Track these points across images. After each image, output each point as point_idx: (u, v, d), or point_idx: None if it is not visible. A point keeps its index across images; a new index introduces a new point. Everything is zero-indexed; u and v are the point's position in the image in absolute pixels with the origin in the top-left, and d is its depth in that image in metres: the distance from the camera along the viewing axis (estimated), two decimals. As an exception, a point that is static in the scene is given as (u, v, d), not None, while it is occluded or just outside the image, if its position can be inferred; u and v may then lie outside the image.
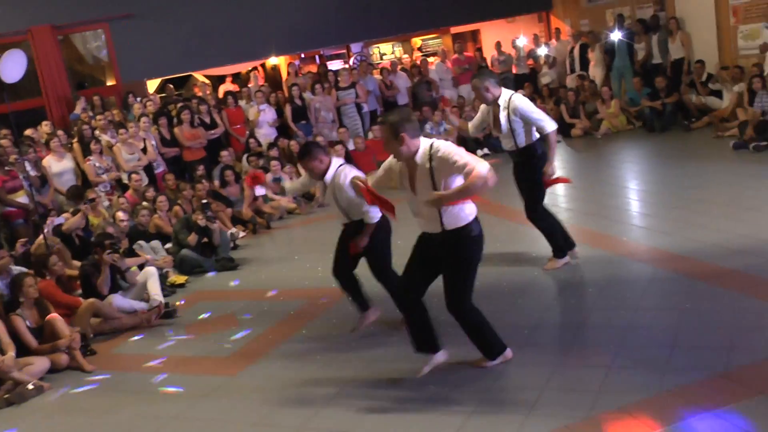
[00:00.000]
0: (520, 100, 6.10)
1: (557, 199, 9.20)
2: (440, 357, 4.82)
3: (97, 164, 10.31)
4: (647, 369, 4.36)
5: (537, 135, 6.20)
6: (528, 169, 6.29)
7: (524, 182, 6.36)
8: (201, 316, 6.95)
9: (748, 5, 11.90)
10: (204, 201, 9.11)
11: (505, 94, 6.15)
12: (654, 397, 4.04)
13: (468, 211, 4.43)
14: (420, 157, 4.34)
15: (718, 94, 11.95)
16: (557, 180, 6.39)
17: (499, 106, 6.14)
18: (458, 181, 4.28)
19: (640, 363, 4.46)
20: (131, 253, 8.04)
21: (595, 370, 4.46)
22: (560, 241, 6.43)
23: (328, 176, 5.32)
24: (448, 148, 4.28)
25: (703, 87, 12.17)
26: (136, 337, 6.68)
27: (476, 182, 4.14)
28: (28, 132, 10.76)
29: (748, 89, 10.80)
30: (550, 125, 6.12)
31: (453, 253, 4.47)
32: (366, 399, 4.64)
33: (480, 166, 4.16)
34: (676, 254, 6.26)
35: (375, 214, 5.29)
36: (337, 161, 5.39)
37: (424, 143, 4.37)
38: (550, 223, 6.44)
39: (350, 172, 5.27)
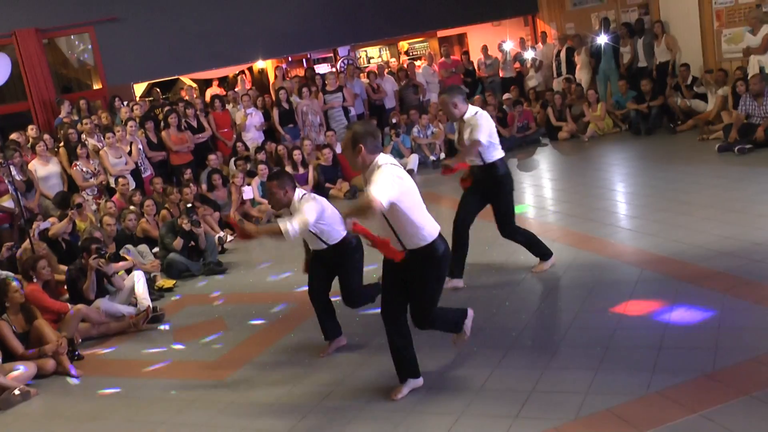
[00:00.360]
0: (481, 119, 6.05)
1: (544, 201, 9.26)
2: (419, 382, 4.73)
3: (84, 168, 10.26)
4: (634, 370, 4.39)
5: (501, 154, 6.19)
6: (494, 187, 6.24)
7: (495, 201, 6.30)
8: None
9: (731, 9, 12.01)
10: (189, 205, 9.08)
11: (471, 111, 6.12)
12: (641, 398, 4.07)
13: (428, 230, 4.35)
14: (368, 171, 4.32)
15: (703, 97, 12.04)
16: (454, 169, 6.14)
17: (464, 122, 6.12)
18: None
19: (628, 365, 4.49)
20: (118, 257, 8.00)
21: (582, 371, 4.49)
22: (542, 247, 6.46)
23: (292, 208, 5.19)
24: (382, 172, 4.21)
25: (688, 90, 12.27)
26: (124, 342, 6.64)
27: (365, 203, 4.11)
28: (13, 136, 10.69)
29: (732, 92, 10.90)
30: (497, 154, 6.13)
31: (419, 273, 4.41)
32: (355, 402, 4.64)
33: (379, 194, 4.08)
34: (662, 256, 6.30)
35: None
36: (299, 192, 5.25)
37: (379, 159, 4.31)
38: (526, 234, 6.46)
39: (309, 203, 5.13)
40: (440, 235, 4.43)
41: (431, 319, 4.61)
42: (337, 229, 5.28)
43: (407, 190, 4.27)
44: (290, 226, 4.71)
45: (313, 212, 5.03)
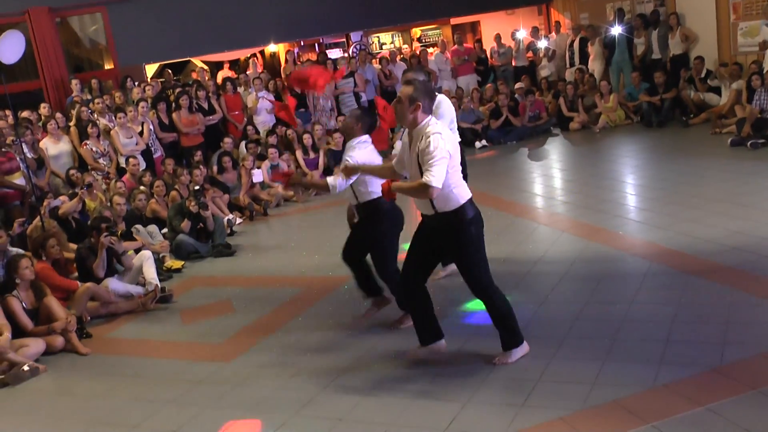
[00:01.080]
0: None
1: (554, 192, 9.23)
2: (442, 344, 4.84)
3: (94, 148, 10.28)
4: (642, 363, 4.38)
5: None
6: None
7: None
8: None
9: (748, 2, 11.91)
10: (196, 187, 9.10)
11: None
12: (648, 390, 4.06)
13: (460, 193, 4.41)
14: (416, 131, 4.38)
15: (717, 90, 11.97)
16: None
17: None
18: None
19: (635, 357, 4.49)
20: (129, 236, 8.02)
21: (589, 362, 4.49)
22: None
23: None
24: (433, 146, 4.23)
25: (701, 83, 12.19)
26: (132, 322, 6.68)
27: (420, 189, 4.25)
28: (24, 114, 10.71)
29: (747, 86, 10.82)
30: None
31: (451, 238, 4.47)
32: (360, 387, 4.66)
33: (436, 181, 4.20)
34: (672, 249, 6.28)
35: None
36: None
37: (431, 124, 4.37)
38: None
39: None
40: (470, 200, 4.47)
41: (490, 290, 4.59)
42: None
43: (451, 160, 4.33)
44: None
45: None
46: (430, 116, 4.42)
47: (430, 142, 4.25)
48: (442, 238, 4.51)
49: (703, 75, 12.21)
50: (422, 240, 4.67)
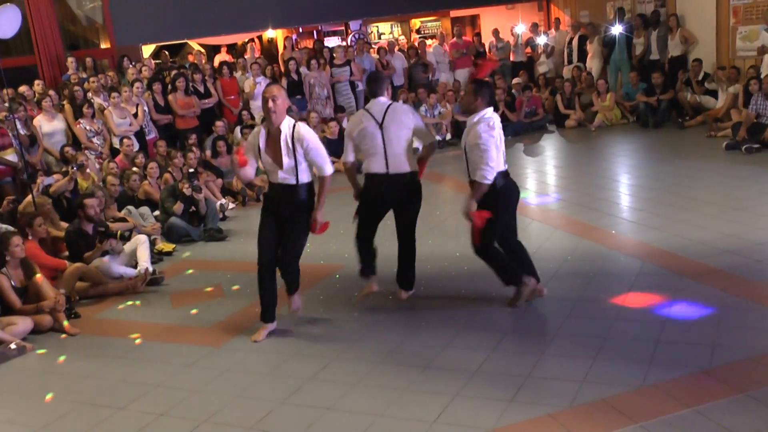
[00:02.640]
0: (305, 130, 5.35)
1: (548, 188, 9.23)
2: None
3: (88, 127, 10.20)
4: (632, 362, 4.39)
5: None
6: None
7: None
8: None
9: (748, 6, 11.92)
10: (191, 170, 9.05)
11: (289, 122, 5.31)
12: (637, 390, 4.07)
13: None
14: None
15: (714, 93, 11.98)
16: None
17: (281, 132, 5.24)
18: None
19: (625, 356, 4.50)
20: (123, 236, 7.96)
21: (579, 360, 4.49)
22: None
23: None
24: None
25: (698, 86, 12.20)
26: (121, 303, 6.65)
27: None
28: (22, 89, 10.60)
29: (744, 91, 10.84)
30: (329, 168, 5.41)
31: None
32: (350, 376, 4.65)
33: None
34: (664, 250, 6.30)
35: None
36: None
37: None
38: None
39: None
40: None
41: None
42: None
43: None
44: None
45: None
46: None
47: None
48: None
49: (700, 77, 12.22)
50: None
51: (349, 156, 5.69)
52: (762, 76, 10.38)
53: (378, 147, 5.51)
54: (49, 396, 4.87)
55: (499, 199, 5.22)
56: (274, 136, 5.21)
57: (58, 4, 13.21)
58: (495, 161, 5.10)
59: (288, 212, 5.32)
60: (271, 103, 5.08)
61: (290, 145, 5.13)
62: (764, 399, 3.84)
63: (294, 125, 5.19)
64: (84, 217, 7.11)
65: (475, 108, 5.22)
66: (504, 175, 5.23)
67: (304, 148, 5.17)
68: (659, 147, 10.87)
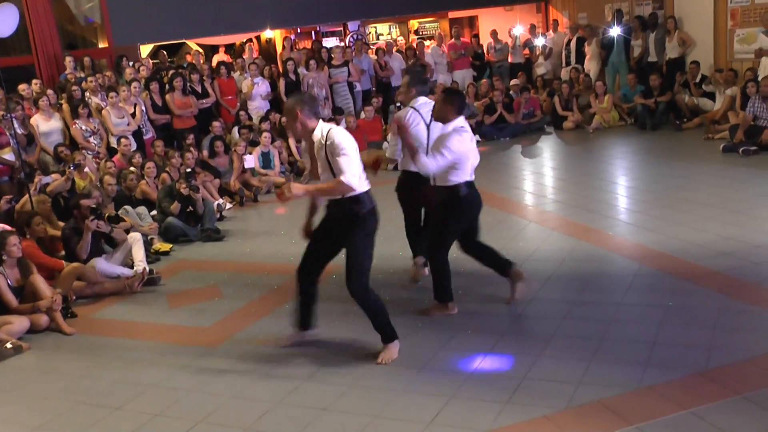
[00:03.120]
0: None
1: (545, 190, 9.24)
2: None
3: (84, 127, 10.18)
4: (628, 364, 4.40)
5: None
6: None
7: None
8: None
9: (746, 9, 11.95)
10: (188, 170, 9.05)
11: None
12: (633, 391, 4.07)
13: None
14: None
15: (711, 96, 12.01)
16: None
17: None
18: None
19: (621, 358, 4.50)
20: (118, 219, 7.96)
21: (576, 362, 4.49)
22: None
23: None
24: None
25: (696, 88, 12.22)
26: (118, 303, 6.64)
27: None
28: (21, 87, 10.57)
29: (742, 93, 10.85)
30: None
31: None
32: (347, 377, 4.65)
33: (349, 176, 4.47)
34: (661, 252, 6.30)
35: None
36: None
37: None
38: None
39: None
40: (468, 182, 5.21)
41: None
42: None
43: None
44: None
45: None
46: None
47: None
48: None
49: (698, 80, 12.25)
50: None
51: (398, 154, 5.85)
52: (759, 79, 10.40)
53: (423, 147, 5.66)
54: (23, 389, 4.87)
55: (462, 208, 5.31)
56: (311, 147, 4.80)
57: (57, 3, 13.20)
58: (462, 170, 5.18)
59: (340, 229, 4.80)
60: (292, 132, 5.07)
61: (324, 155, 4.63)
62: (760, 401, 3.85)
63: (327, 132, 4.61)
64: (80, 217, 7.09)
65: (447, 117, 5.26)
66: (469, 185, 5.26)
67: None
68: (657, 149, 10.88)
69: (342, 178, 4.46)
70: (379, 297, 4.87)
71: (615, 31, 13.61)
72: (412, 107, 5.85)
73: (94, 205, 7.13)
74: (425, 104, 5.81)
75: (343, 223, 4.69)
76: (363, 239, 4.67)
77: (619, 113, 13.11)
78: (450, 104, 5.24)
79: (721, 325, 4.82)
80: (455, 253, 5.53)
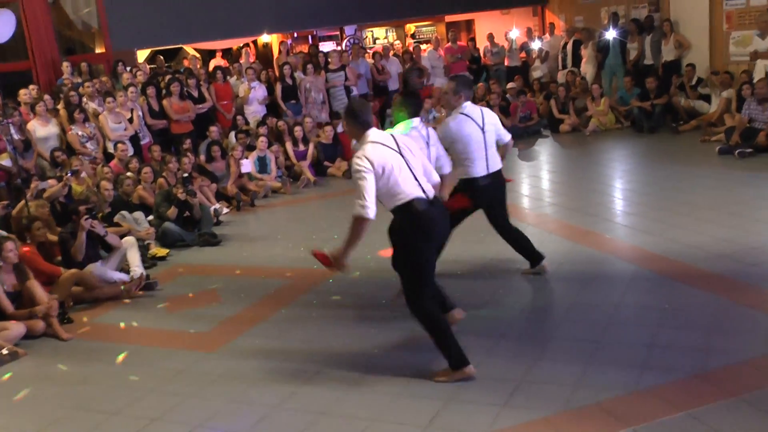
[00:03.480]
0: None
1: (542, 193, 9.25)
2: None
3: (80, 132, 10.17)
4: (625, 366, 4.40)
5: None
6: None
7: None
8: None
9: (741, 12, 11.97)
10: (185, 175, 9.05)
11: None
12: (630, 394, 4.08)
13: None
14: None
15: (707, 98, 12.03)
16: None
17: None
18: None
19: (619, 360, 4.50)
20: (110, 222, 7.96)
21: (573, 364, 4.50)
22: None
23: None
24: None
25: (692, 90, 12.25)
26: (115, 308, 6.63)
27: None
28: (22, 92, 10.54)
29: (737, 96, 10.88)
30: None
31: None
32: (343, 382, 4.65)
33: (358, 207, 4.20)
34: (658, 254, 6.31)
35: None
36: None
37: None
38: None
39: None
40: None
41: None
42: None
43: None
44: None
45: None
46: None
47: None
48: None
49: (694, 82, 12.27)
50: None
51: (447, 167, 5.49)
52: (754, 81, 10.42)
53: (482, 150, 5.76)
54: (20, 395, 4.88)
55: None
56: None
57: (54, 8, 13.21)
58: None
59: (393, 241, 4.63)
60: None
61: None
62: (757, 402, 3.86)
63: (362, 148, 4.41)
64: (78, 222, 7.08)
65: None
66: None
67: None
68: (653, 152, 10.90)
69: (353, 211, 4.22)
70: (436, 313, 4.51)
71: (611, 34, 13.64)
72: (461, 113, 5.77)
73: (90, 206, 7.12)
74: (474, 108, 5.82)
75: (393, 235, 4.52)
76: (405, 250, 4.47)
77: (616, 116, 13.13)
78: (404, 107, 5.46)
79: (717, 327, 4.83)
80: (445, 257, 5.50)
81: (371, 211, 4.19)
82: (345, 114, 4.58)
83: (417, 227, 4.36)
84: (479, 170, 5.79)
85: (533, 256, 6.15)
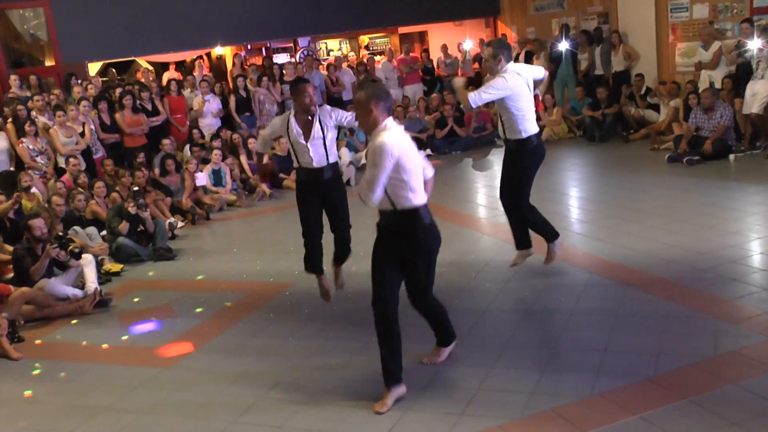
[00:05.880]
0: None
1: (497, 202, 9.32)
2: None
3: (31, 146, 9.98)
4: (580, 372, 4.47)
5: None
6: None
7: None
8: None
9: (686, 24, 12.29)
10: (135, 188, 8.93)
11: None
12: (586, 399, 4.14)
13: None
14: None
15: (656, 107, 12.31)
16: None
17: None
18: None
19: (574, 366, 4.57)
20: (73, 253, 7.79)
21: (529, 371, 4.55)
22: None
23: None
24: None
25: (641, 100, 12.52)
26: (67, 326, 6.51)
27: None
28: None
29: (684, 105, 11.16)
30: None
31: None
32: (300, 395, 4.63)
33: (367, 191, 4.11)
34: (611, 261, 6.42)
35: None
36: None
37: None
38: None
39: None
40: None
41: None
42: None
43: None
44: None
45: None
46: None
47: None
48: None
49: (643, 92, 12.55)
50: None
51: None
52: (700, 91, 10.70)
53: (532, 108, 5.82)
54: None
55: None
56: None
57: (1, 21, 12.95)
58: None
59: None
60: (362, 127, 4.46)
61: None
62: (706, 404, 3.95)
63: (383, 133, 4.30)
64: (32, 239, 6.95)
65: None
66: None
67: None
68: (605, 160, 11.11)
69: (357, 188, 4.20)
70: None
71: (563, 46, 13.87)
72: (514, 71, 5.64)
73: (60, 233, 7.01)
74: (516, 66, 5.76)
75: (400, 238, 4.33)
76: (422, 257, 4.37)
77: (568, 125, 13.34)
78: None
79: (668, 331, 4.93)
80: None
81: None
82: (372, 94, 4.16)
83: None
84: (532, 128, 5.79)
85: (527, 240, 6.35)
